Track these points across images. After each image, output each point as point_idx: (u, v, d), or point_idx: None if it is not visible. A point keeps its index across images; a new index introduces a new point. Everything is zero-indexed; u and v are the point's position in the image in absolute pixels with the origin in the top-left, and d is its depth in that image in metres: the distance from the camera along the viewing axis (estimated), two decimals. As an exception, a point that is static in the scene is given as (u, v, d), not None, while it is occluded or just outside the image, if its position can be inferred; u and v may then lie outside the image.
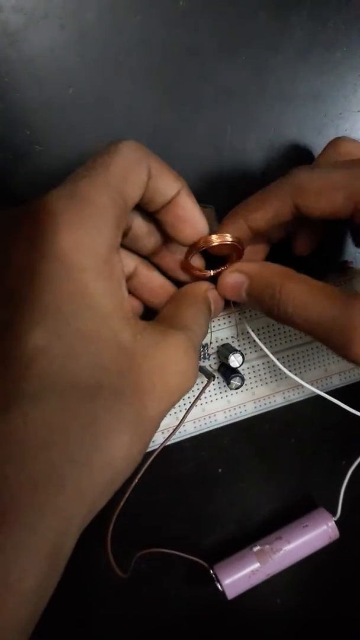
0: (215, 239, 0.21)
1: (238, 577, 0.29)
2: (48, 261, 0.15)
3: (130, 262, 0.22)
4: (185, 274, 0.23)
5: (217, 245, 0.21)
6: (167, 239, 0.21)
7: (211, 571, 0.29)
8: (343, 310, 0.18)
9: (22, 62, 0.21)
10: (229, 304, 0.25)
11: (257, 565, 0.29)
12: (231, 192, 0.26)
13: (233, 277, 0.22)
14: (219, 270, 0.23)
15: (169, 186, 0.18)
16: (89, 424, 0.14)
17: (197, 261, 0.23)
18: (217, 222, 0.25)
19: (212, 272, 0.23)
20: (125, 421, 0.15)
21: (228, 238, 0.21)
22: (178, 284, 0.23)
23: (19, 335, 0.14)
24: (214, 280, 0.23)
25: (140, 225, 0.20)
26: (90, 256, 0.16)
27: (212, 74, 0.24)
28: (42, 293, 0.15)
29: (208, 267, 0.24)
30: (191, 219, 0.20)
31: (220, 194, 0.26)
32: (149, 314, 0.23)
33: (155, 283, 0.22)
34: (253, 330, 0.27)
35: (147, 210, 0.19)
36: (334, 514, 0.31)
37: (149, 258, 0.23)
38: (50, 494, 0.13)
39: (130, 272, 0.22)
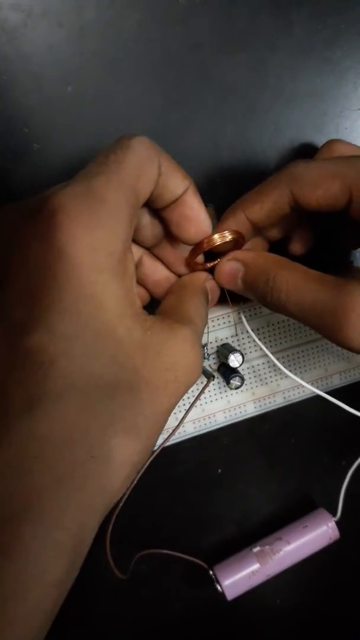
0: (218, 239, 0.21)
1: (238, 578, 0.29)
2: (65, 262, 0.15)
3: (136, 251, 0.22)
4: (186, 269, 0.23)
5: (219, 244, 0.21)
6: (170, 235, 0.21)
7: (211, 572, 0.29)
8: (334, 294, 0.18)
9: (20, 60, 0.21)
10: (227, 303, 0.25)
11: (257, 566, 0.29)
12: (231, 191, 0.26)
13: (230, 265, 0.22)
14: (216, 262, 0.24)
15: (177, 185, 0.18)
16: (109, 422, 0.14)
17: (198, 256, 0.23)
18: (217, 221, 0.25)
19: (208, 265, 0.24)
20: (141, 417, 0.15)
21: (228, 235, 0.21)
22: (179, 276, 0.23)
23: (39, 336, 0.15)
24: (211, 271, 0.23)
25: (143, 218, 0.20)
26: (106, 257, 0.16)
27: (212, 72, 0.24)
28: (60, 294, 0.15)
29: (206, 259, 0.24)
30: (196, 218, 0.20)
31: (220, 192, 0.26)
32: (152, 302, 0.23)
33: (159, 275, 0.23)
34: (253, 330, 0.27)
35: (153, 206, 0.19)
36: (334, 514, 0.31)
37: (149, 250, 0.23)
38: (73, 489, 0.13)
39: (136, 261, 0.22)
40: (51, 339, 0.14)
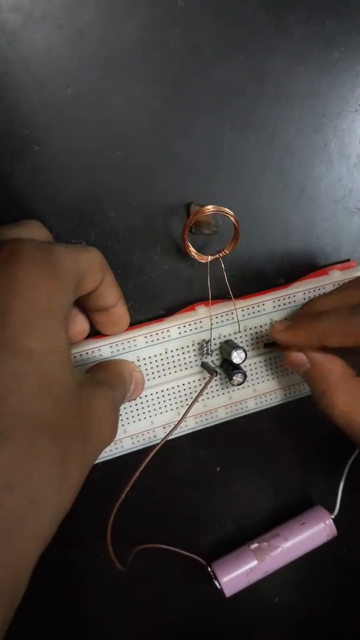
0: (212, 208, 0.23)
1: (236, 574, 0.29)
2: (25, 304, 0.16)
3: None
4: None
5: (211, 213, 0.23)
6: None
7: (209, 568, 0.29)
8: None
9: (20, 61, 0.21)
10: (230, 300, 0.26)
11: (255, 562, 0.29)
12: (228, 191, 0.26)
13: (299, 357, 0.24)
14: (216, 255, 0.24)
15: (112, 297, 0.21)
16: (49, 465, 0.15)
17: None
18: (215, 222, 0.25)
19: (209, 258, 0.24)
20: (73, 465, 0.16)
21: (227, 210, 0.23)
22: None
23: None
24: (211, 265, 0.24)
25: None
26: (60, 308, 0.17)
27: (210, 73, 0.24)
28: (15, 333, 0.15)
29: (205, 253, 0.24)
30: (124, 324, 0.24)
31: (218, 193, 0.26)
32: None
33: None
34: (255, 327, 0.27)
35: (86, 307, 0.22)
36: (331, 511, 0.31)
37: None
38: (9, 536, 0.13)
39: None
40: (1, 377, 0.15)
